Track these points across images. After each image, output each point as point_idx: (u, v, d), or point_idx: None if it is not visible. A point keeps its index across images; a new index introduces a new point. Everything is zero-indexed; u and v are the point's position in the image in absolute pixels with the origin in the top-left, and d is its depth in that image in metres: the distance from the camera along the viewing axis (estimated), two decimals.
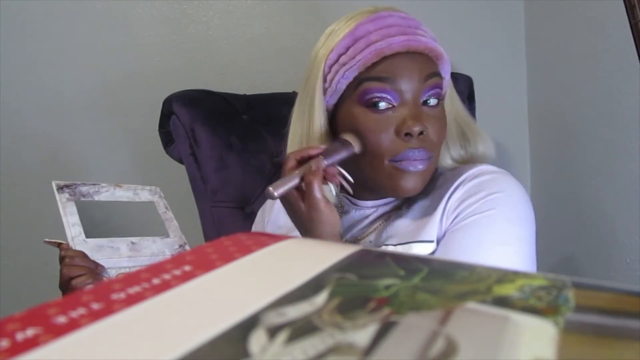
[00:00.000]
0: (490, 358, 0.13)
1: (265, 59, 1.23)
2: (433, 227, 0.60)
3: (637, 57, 0.65)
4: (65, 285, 0.62)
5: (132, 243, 0.70)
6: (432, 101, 0.61)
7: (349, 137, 0.61)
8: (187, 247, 0.76)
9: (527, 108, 1.28)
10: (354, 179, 0.69)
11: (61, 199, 0.68)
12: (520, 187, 0.62)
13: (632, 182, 0.91)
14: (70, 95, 1.19)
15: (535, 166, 1.27)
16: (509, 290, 0.17)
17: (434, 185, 0.66)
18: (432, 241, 0.60)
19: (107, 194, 0.73)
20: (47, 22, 1.17)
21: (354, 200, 0.70)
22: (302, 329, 0.15)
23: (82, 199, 0.70)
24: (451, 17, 1.23)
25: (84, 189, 0.71)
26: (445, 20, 1.22)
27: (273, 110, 1.04)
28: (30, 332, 0.14)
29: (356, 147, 0.60)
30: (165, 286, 0.18)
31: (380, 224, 0.66)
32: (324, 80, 0.63)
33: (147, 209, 0.78)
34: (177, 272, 0.19)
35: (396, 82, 0.59)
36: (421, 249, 0.60)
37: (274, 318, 0.15)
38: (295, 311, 0.16)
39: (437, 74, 0.61)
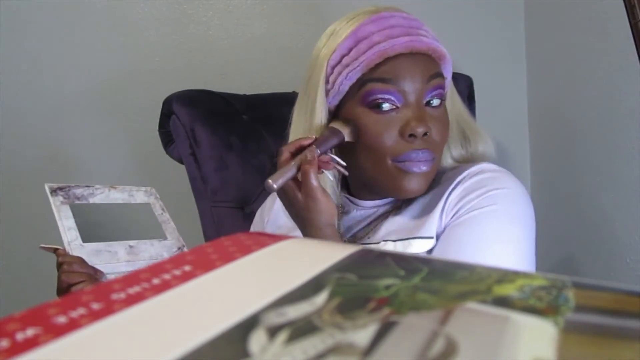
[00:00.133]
0: (490, 358, 0.13)
1: (265, 59, 1.23)
2: (433, 223, 0.61)
3: (637, 57, 0.65)
4: (65, 292, 0.61)
5: (130, 247, 0.69)
6: (435, 102, 0.61)
7: (338, 125, 0.62)
8: (186, 250, 0.75)
9: (527, 108, 1.28)
10: (356, 179, 0.69)
11: (55, 202, 0.67)
12: (522, 185, 0.62)
13: (632, 182, 0.91)
14: (70, 95, 1.19)
15: (535, 166, 1.27)
16: (509, 290, 0.17)
17: (435, 183, 0.66)
18: (431, 237, 0.60)
19: (102, 196, 0.72)
20: (47, 22, 1.17)
21: (355, 200, 0.70)
22: (302, 329, 0.15)
23: (77, 201, 0.69)
24: (451, 17, 1.23)
25: (77, 191, 0.70)
26: (445, 20, 1.22)
27: (273, 110, 1.04)
28: (30, 332, 0.14)
29: (346, 135, 0.61)
30: (165, 286, 0.18)
31: (379, 222, 0.66)
32: (327, 82, 0.63)
33: (143, 210, 0.78)
34: (177, 272, 0.19)
35: (399, 83, 0.59)
36: (421, 245, 0.60)
37: (274, 318, 0.15)
38: (295, 311, 0.16)
39: (440, 75, 0.61)
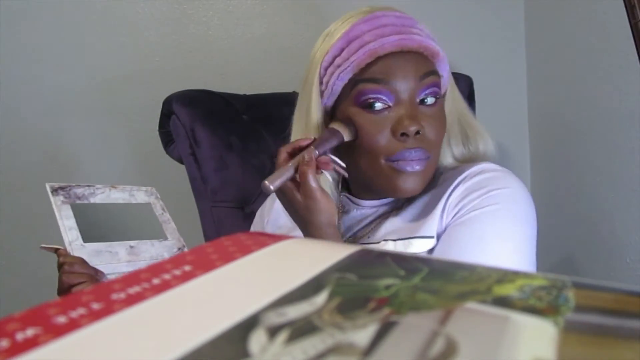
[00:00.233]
0: (490, 358, 0.13)
1: (265, 59, 1.23)
2: (433, 223, 0.60)
3: (637, 57, 0.65)
4: (65, 293, 0.61)
5: (131, 247, 0.69)
6: (430, 100, 0.61)
7: (337, 126, 0.61)
8: (186, 250, 0.75)
9: (527, 108, 1.28)
10: (355, 180, 0.69)
11: (56, 201, 0.67)
12: (523, 185, 0.62)
13: (632, 182, 0.91)
14: (70, 95, 1.19)
15: (535, 166, 1.27)
16: (509, 290, 0.17)
17: (435, 183, 0.66)
18: (432, 237, 0.60)
19: (103, 195, 0.73)
20: (47, 21, 1.17)
21: (354, 199, 0.70)
22: (302, 329, 0.15)
23: (77, 201, 0.69)
24: (451, 17, 1.23)
25: (78, 190, 0.70)
26: (445, 20, 1.22)
27: (273, 110, 1.04)
28: (30, 332, 0.14)
29: (345, 135, 0.61)
30: (165, 286, 0.18)
31: (380, 222, 0.66)
32: (320, 83, 0.63)
33: (144, 210, 0.78)
34: (177, 272, 0.19)
35: (391, 83, 0.59)
36: (421, 245, 0.60)
37: (274, 318, 0.15)
38: (295, 311, 0.16)
39: (434, 73, 0.61)
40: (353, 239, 0.68)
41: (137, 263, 0.68)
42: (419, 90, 0.60)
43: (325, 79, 0.62)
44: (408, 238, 0.61)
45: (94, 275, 0.62)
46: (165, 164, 1.11)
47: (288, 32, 1.23)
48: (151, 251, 0.71)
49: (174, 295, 0.17)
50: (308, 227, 0.58)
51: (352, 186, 0.72)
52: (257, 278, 0.20)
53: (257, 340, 0.14)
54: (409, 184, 0.60)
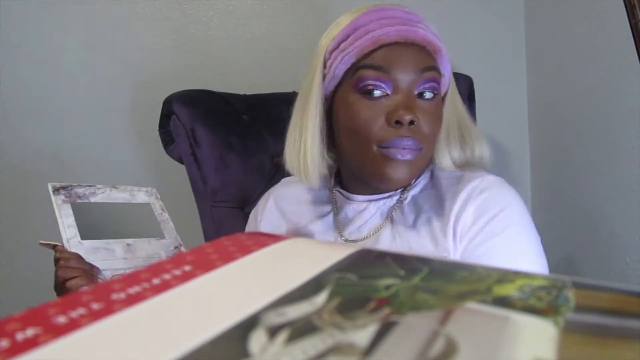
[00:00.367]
0: (490, 358, 0.13)
1: (265, 59, 1.23)
2: (446, 241, 0.61)
3: (637, 57, 0.65)
4: (60, 287, 0.62)
5: (128, 245, 0.70)
6: (428, 94, 0.61)
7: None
8: (183, 249, 0.76)
9: (527, 108, 1.28)
10: (347, 170, 0.70)
11: (57, 200, 0.68)
12: (516, 193, 0.64)
13: (632, 182, 0.91)
14: (70, 95, 1.19)
15: (535, 166, 1.27)
16: (509, 290, 0.17)
17: (433, 183, 0.66)
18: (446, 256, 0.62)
19: (103, 195, 0.73)
20: (47, 22, 1.17)
21: (346, 194, 0.71)
22: (302, 329, 0.15)
23: (78, 200, 0.70)
24: (451, 17, 1.23)
25: (79, 190, 0.71)
26: (445, 20, 1.22)
27: (273, 110, 1.04)
28: (30, 332, 0.14)
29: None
30: (165, 286, 0.18)
31: (381, 225, 0.66)
32: (324, 67, 0.65)
33: (144, 209, 0.78)
34: (177, 272, 0.19)
35: (391, 71, 0.60)
36: None
37: (274, 318, 0.15)
38: (295, 311, 0.16)
39: (434, 68, 0.62)
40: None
41: (133, 260, 0.69)
42: (418, 82, 0.60)
43: (329, 63, 0.64)
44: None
45: (89, 270, 0.63)
46: (165, 164, 1.11)
47: (288, 32, 1.23)
48: (148, 249, 0.71)
49: (174, 295, 0.17)
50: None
51: (344, 178, 0.72)
52: (257, 278, 0.20)
53: (257, 340, 0.14)
54: (398, 172, 0.60)
